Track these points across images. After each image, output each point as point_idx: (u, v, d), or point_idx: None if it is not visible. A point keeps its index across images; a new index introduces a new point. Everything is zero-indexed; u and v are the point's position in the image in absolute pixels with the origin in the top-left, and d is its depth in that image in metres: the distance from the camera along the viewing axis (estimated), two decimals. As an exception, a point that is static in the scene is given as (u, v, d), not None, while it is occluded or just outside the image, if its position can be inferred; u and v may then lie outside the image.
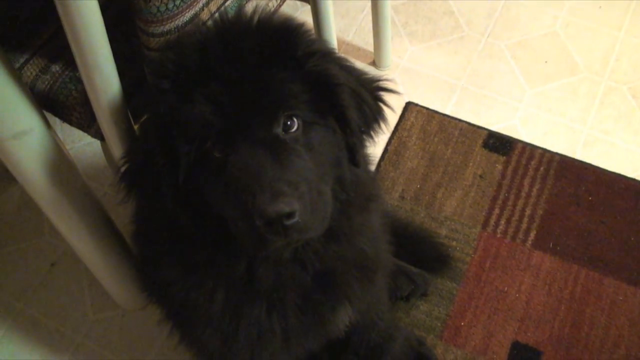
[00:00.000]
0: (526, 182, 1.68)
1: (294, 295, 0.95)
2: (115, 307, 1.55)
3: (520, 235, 1.60)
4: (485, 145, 1.75)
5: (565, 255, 1.57)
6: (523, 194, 1.66)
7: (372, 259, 1.02)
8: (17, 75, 0.98)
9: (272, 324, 0.96)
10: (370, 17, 1.82)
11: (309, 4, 1.44)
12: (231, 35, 0.81)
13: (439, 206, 1.65)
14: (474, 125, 1.79)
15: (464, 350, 1.45)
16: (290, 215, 0.74)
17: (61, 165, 1.11)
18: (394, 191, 1.68)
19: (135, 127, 1.03)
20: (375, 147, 0.97)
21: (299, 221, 0.75)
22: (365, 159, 0.97)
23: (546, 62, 1.93)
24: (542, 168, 1.70)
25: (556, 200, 1.65)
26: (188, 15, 0.94)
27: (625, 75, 1.89)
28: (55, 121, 1.35)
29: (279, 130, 0.80)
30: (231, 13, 0.87)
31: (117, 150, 1.03)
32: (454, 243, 1.59)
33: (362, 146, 0.90)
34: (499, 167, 1.71)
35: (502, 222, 1.62)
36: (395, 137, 1.77)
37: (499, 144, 1.75)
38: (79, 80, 1.07)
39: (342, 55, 0.95)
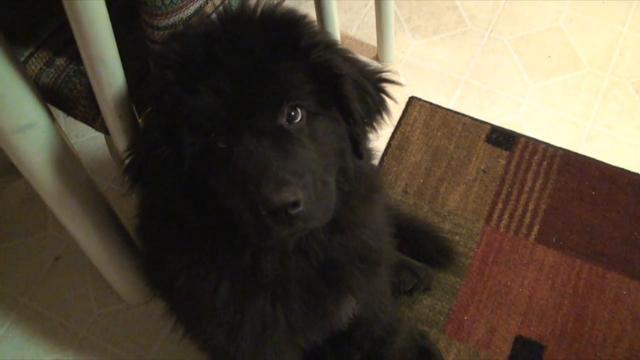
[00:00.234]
0: (529, 176, 1.68)
1: (298, 286, 0.95)
2: (119, 301, 1.55)
3: (523, 229, 1.60)
4: (489, 139, 1.75)
5: (568, 250, 1.57)
6: (526, 189, 1.66)
7: (376, 251, 1.02)
8: (22, 69, 0.98)
9: (277, 316, 0.96)
10: (373, 12, 1.82)
11: (312, -3, 1.44)
12: (235, 27, 0.82)
13: (442, 201, 1.65)
14: (477, 119, 1.79)
15: (467, 344, 1.45)
16: (295, 204, 0.74)
17: (65, 159, 1.11)
18: (397, 186, 1.68)
19: (140, 120, 1.03)
20: (378, 141, 0.97)
21: (304, 210, 0.75)
22: (369, 153, 0.98)
23: (549, 57, 1.93)
24: (545, 163, 1.70)
25: (559, 194, 1.65)
26: (192, 8, 0.94)
27: (629, 70, 1.89)
28: (60, 115, 1.36)
29: (283, 120, 0.81)
30: (235, 6, 0.87)
31: (121, 144, 1.03)
32: (457, 237, 1.59)
33: (365, 137, 0.90)
34: (502, 161, 1.71)
35: (505, 216, 1.62)
36: (398, 132, 1.77)
37: (502, 138, 1.75)
38: (84, 74, 1.07)
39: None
